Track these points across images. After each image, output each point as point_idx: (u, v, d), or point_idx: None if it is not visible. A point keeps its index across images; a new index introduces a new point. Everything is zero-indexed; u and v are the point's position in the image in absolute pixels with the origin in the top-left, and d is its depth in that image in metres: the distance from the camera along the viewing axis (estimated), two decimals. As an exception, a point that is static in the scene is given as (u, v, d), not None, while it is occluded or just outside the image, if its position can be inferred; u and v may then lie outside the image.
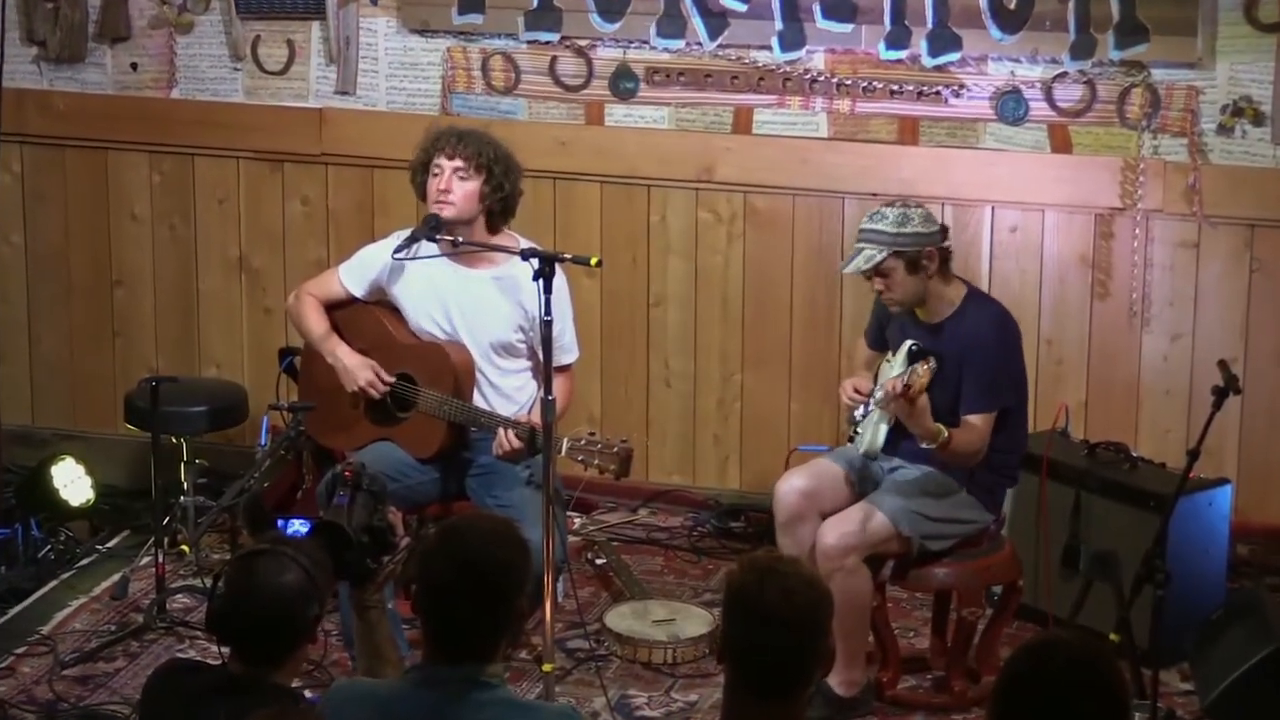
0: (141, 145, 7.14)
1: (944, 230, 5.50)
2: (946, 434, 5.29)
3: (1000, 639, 5.65)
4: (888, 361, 5.54)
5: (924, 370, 5.18)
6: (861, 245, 5.43)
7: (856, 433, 5.57)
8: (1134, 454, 6.06)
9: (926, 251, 5.39)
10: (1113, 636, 5.08)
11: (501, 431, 5.54)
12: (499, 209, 5.68)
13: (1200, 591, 5.76)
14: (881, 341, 5.66)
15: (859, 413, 5.56)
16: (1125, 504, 5.85)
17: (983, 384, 5.37)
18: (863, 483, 5.58)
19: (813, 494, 5.54)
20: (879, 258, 5.38)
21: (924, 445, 5.34)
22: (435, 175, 5.66)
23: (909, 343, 5.42)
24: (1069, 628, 5.42)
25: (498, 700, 3.76)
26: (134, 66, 7.12)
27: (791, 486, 5.55)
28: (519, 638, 5.69)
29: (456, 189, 5.62)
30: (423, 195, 5.75)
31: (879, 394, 5.40)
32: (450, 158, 5.63)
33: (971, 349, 5.38)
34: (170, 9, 7.02)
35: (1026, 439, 5.62)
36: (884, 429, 5.45)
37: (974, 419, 5.36)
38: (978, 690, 5.56)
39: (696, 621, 5.97)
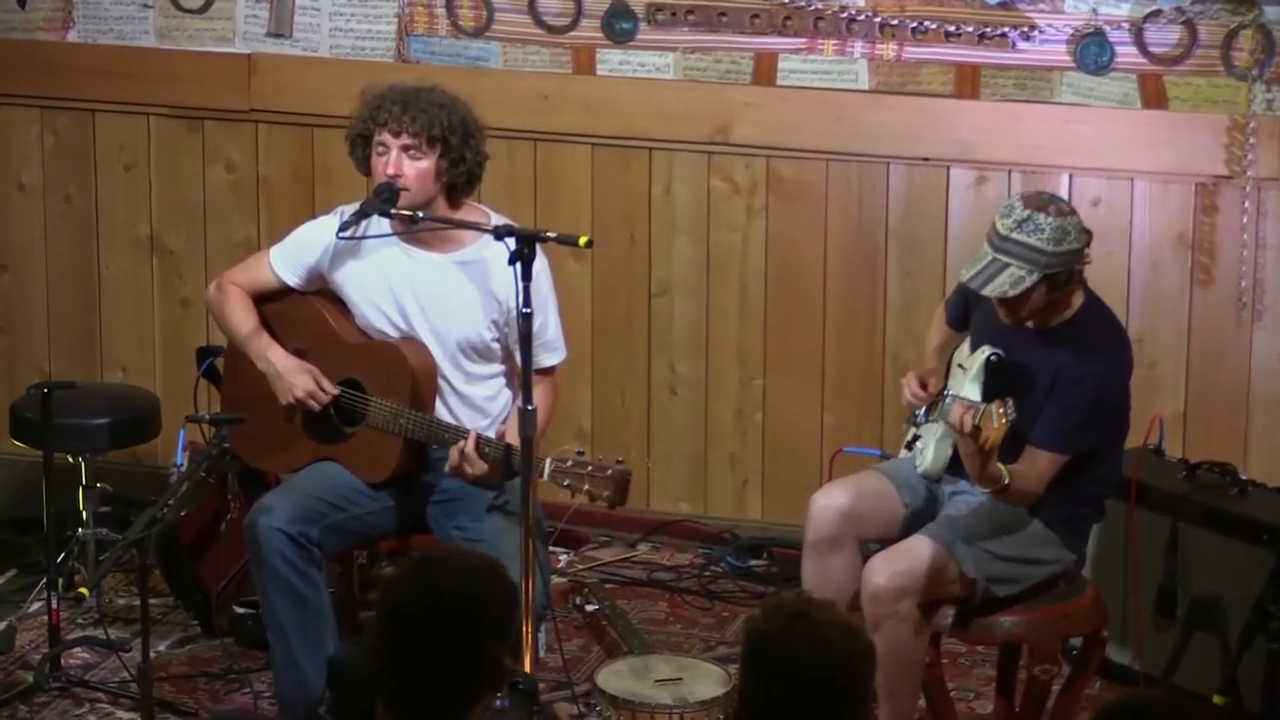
0: (31, 99, 7.16)
1: (1090, 235, 5.37)
2: (1007, 479, 5.25)
3: (1080, 702, 5.65)
4: (960, 367, 5.48)
5: (999, 417, 5.08)
6: (1004, 260, 5.23)
7: (915, 439, 5.55)
8: (1243, 476, 6.06)
9: (1076, 271, 5.32)
10: (1216, 699, 5.09)
11: (466, 444, 5.51)
12: (461, 182, 5.67)
13: (1324, 644, 5.76)
14: (964, 320, 5.60)
15: (921, 415, 5.52)
16: (1232, 537, 5.85)
17: (1066, 422, 5.31)
18: (916, 506, 5.56)
19: (854, 516, 5.52)
20: (1029, 282, 5.22)
21: (977, 487, 5.32)
22: (381, 154, 5.65)
23: (988, 351, 5.36)
24: (1163, 688, 5.42)
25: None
26: (21, 3, 7.12)
27: (830, 502, 5.53)
28: (495, 700, 5.71)
29: (408, 169, 5.61)
30: (366, 170, 5.74)
31: (948, 404, 5.33)
32: (396, 134, 5.61)
33: (1068, 378, 5.31)
34: (66, -67, 7.06)
35: (1120, 469, 5.59)
36: (948, 445, 5.43)
37: (1041, 455, 5.32)
38: (1052, 765, 5.57)
39: (708, 681, 5.97)
